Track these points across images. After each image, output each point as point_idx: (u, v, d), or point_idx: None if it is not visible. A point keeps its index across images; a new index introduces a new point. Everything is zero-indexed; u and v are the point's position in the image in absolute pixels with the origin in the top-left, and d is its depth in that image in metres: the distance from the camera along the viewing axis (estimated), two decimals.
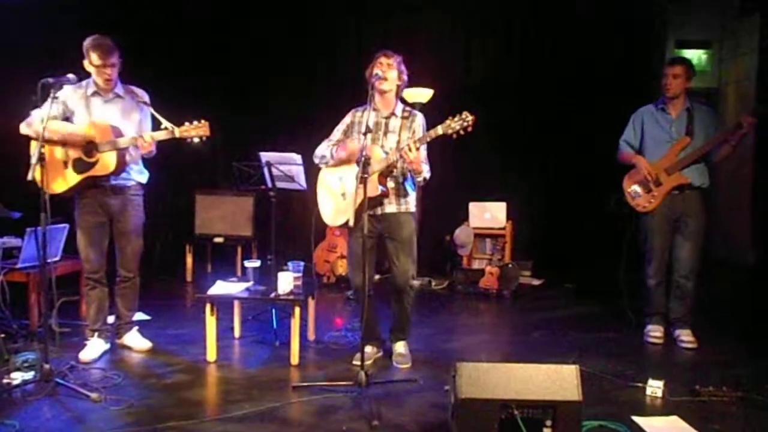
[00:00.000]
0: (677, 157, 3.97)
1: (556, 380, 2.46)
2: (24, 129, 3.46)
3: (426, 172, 3.45)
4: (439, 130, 3.20)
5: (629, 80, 5.84)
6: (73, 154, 3.47)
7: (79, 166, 3.47)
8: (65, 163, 3.46)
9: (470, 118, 3.15)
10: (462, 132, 3.17)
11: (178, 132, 3.44)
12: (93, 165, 3.47)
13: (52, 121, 3.33)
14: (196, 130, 3.44)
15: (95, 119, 3.51)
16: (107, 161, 3.45)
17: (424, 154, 3.47)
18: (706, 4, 6.21)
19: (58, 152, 3.46)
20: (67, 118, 3.52)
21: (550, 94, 6.18)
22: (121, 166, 3.51)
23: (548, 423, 2.43)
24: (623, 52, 6.02)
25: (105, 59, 3.44)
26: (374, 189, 3.32)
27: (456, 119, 3.17)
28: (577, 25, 6.18)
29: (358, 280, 3.44)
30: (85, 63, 3.48)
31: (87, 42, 3.45)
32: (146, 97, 3.69)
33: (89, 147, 3.45)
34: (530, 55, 6.33)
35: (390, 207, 3.50)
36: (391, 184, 3.46)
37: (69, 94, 3.50)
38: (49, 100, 3.11)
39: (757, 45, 5.61)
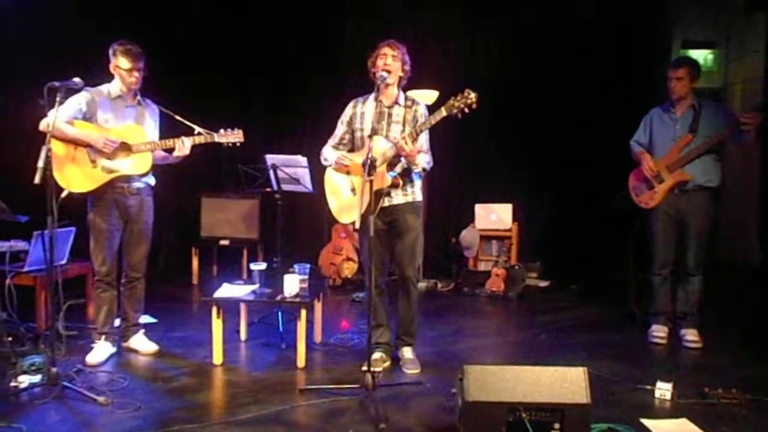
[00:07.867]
0: (679, 154, 3.98)
1: (564, 383, 2.44)
2: (47, 128, 3.35)
3: (425, 163, 3.45)
4: (443, 111, 3.17)
5: (635, 81, 5.81)
6: (101, 154, 3.50)
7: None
8: (93, 162, 3.49)
9: (473, 95, 3.10)
10: (466, 110, 3.12)
11: (216, 137, 3.62)
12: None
13: (80, 122, 3.45)
14: (233, 137, 3.65)
15: (130, 122, 3.60)
16: (143, 162, 3.57)
17: (426, 146, 3.48)
18: (712, 3, 6.18)
19: (84, 152, 3.47)
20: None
21: (555, 94, 6.15)
22: (152, 168, 3.65)
23: (556, 426, 2.41)
24: (627, 53, 5.98)
25: (134, 63, 3.52)
26: (384, 181, 3.33)
27: (458, 98, 3.13)
28: (580, 25, 6.15)
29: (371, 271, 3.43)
30: (111, 66, 3.54)
31: (116, 46, 3.52)
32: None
33: (122, 148, 3.52)
34: (535, 56, 6.29)
35: (397, 197, 3.49)
36: (398, 170, 3.43)
37: (91, 97, 3.52)
38: (65, 102, 3.15)
39: (763, 45, 5.58)
